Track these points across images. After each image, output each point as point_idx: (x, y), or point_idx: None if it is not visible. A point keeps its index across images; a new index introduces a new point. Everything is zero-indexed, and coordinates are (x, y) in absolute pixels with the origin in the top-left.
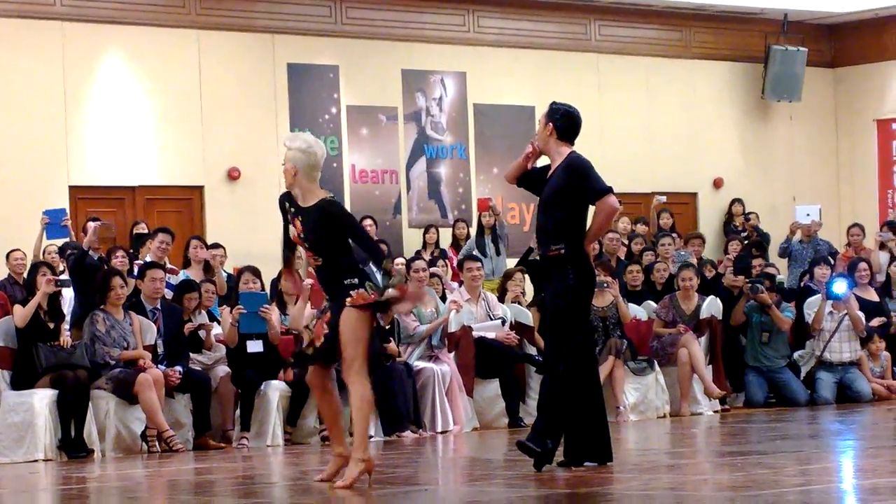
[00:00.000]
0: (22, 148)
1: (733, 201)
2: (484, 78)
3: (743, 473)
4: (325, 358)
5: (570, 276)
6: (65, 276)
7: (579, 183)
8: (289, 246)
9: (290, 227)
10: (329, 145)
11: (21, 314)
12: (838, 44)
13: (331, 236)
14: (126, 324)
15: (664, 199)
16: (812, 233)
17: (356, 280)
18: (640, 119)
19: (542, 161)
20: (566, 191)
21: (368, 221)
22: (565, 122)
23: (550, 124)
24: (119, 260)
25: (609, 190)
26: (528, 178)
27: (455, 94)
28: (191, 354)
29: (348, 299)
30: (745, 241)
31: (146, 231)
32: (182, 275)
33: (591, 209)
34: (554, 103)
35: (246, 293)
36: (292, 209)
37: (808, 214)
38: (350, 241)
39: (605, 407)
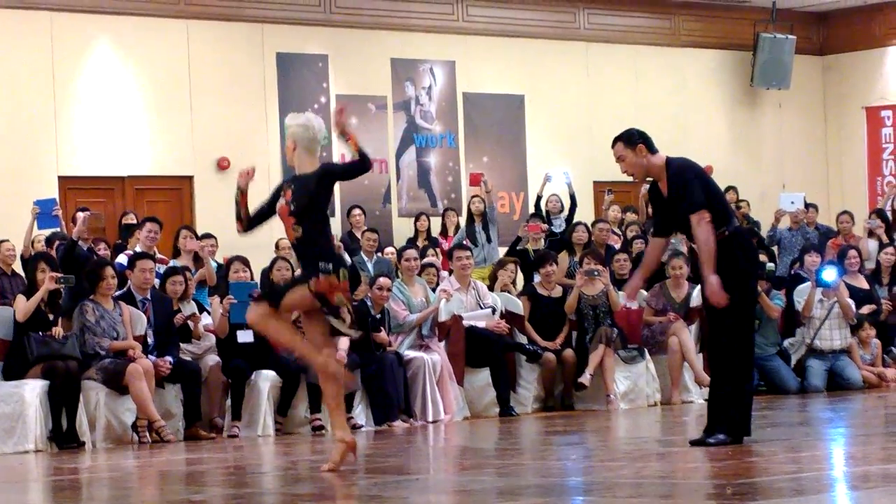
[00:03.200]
0: (11, 138)
1: (727, 189)
2: (473, 67)
3: (734, 461)
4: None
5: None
6: (69, 274)
7: (686, 182)
8: (259, 218)
9: (280, 198)
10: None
11: (22, 309)
12: (827, 31)
13: (319, 201)
14: (116, 314)
15: None
16: (799, 220)
17: (330, 266)
18: (630, 107)
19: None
20: (683, 189)
21: (358, 211)
22: (644, 136)
23: (641, 144)
24: (102, 252)
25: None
26: (663, 227)
27: (444, 82)
28: (181, 344)
29: (313, 280)
30: None
31: (135, 221)
32: (172, 265)
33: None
34: (622, 133)
35: (235, 283)
36: (286, 181)
37: (792, 202)
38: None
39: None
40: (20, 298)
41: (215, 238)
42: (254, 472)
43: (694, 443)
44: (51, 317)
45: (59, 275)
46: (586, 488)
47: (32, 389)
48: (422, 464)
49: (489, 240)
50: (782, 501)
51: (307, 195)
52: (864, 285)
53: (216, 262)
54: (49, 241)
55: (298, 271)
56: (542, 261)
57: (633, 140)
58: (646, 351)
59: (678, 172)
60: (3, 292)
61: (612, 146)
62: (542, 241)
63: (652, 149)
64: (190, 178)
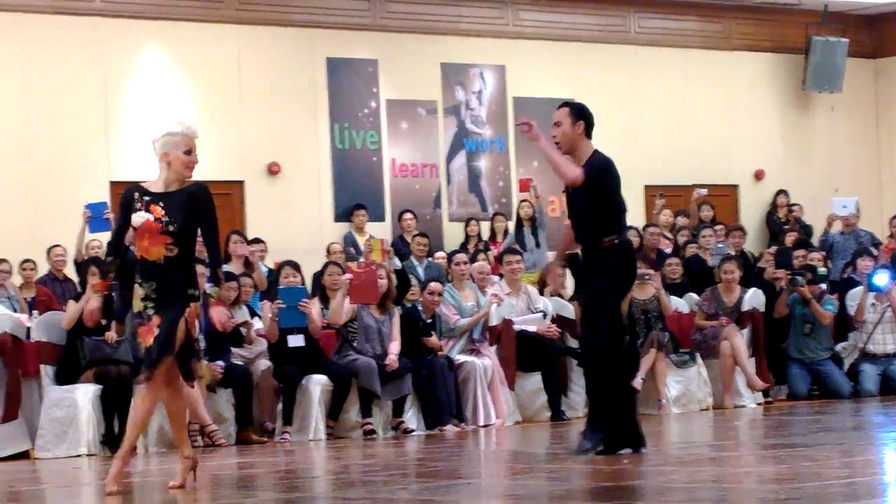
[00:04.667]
0: (62, 144)
1: (778, 192)
2: (523, 71)
3: (786, 466)
4: (169, 353)
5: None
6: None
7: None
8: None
9: (141, 213)
10: (369, 139)
11: (67, 318)
12: (879, 34)
13: (194, 226)
14: None
15: (705, 191)
16: (852, 224)
17: (197, 293)
18: (680, 111)
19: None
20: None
21: (409, 215)
22: (590, 119)
23: (581, 122)
24: None
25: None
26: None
27: (494, 86)
28: (232, 349)
29: (188, 309)
30: (787, 231)
31: None
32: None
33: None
34: (573, 102)
35: (284, 288)
36: (146, 197)
37: (844, 206)
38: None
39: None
40: (69, 304)
41: (265, 243)
42: (305, 477)
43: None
44: (103, 321)
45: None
46: (638, 493)
47: (85, 394)
48: (473, 468)
49: (538, 245)
50: None
51: (190, 216)
52: None
53: (266, 266)
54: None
55: (298, 277)
56: None
57: (579, 114)
58: (697, 355)
59: (602, 165)
60: (55, 297)
61: (558, 108)
62: None
63: (588, 134)
64: (240, 183)
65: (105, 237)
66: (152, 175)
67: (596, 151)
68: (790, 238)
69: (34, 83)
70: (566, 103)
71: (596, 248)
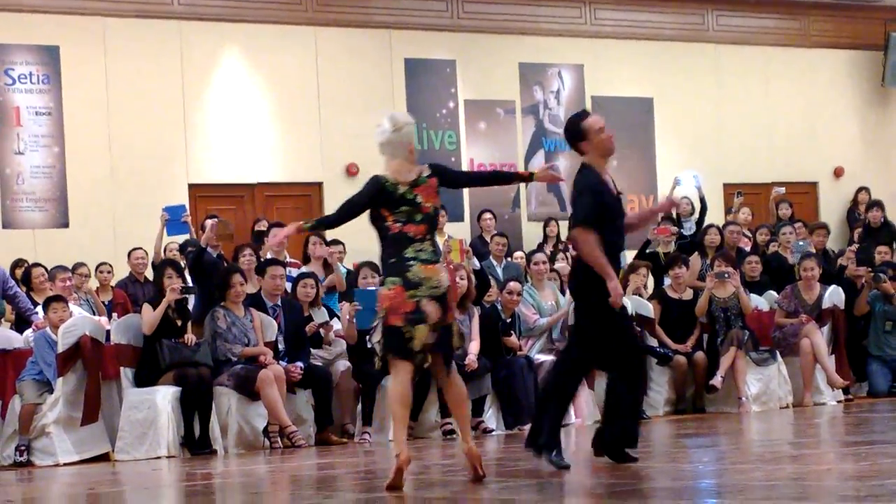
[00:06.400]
0: (142, 147)
1: (859, 189)
2: (601, 70)
3: (867, 463)
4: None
5: None
6: (189, 284)
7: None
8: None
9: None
10: (447, 139)
11: (148, 321)
12: None
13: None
14: (247, 320)
15: (783, 190)
16: None
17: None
18: (759, 109)
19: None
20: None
21: (488, 215)
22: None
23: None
24: (247, 258)
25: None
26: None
27: (572, 86)
28: (311, 350)
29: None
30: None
31: (266, 228)
32: (302, 270)
33: None
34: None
35: (360, 290)
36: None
37: None
38: None
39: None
40: (146, 308)
41: (343, 244)
42: (385, 477)
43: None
44: (178, 323)
45: (182, 285)
46: (718, 491)
47: (164, 396)
48: (553, 468)
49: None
50: None
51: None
52: None
53: (345, 268)
54: (182, 248)
55: (376, 279)
56: (672, 264)
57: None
58: (777, 353)
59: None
60: (136, 300)
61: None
62: (672, 244)
63: None
64: (319, 185)
65: (182, 240)
66: (229, 177)
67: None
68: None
69: (116, 86)
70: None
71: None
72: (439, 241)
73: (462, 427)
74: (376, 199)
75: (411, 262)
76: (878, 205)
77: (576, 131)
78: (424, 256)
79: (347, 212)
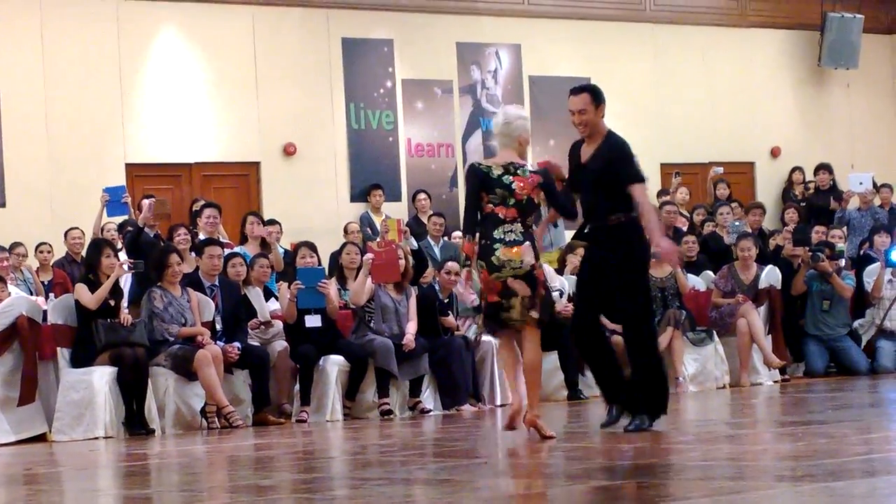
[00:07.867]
0: (78, 126)
1: (794, 169)
2: (539, 50)
3: (804, 443)
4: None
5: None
6: (138, 260)
7: (621, 161)
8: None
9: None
10: (384, 119)
11: (93, 299)
12: (895, 10)
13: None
14: (184, 300)
15: (721, 169)
16: (868, 200)
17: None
18: (696, 89)
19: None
20: (612, 166)
21: (422, 195)
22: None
23: (602, 106)
24: (181, 237)
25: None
26: (572, 183)
27: (510, 66)
28: (249, 330)
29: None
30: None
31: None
32: (238, 250)
33: None
34: (591, 86)
35: (304, 269)
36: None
37: (860, 182)
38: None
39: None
40: (82, 287)
41: (280, 224)
42: (322, 457)
43: (604, 425)
44: (112, 303)
45: (131, 261)
46: (655, 471)
47: (101, 376)
48: (490, 447)
49: (555, 224)
50: (853, 483)
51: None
52: None
53: (283, 247)
54: (121, 228)
55: (314, 258)
56: None
57: (600, 98)
58: (714, 333)
59: (619, 146)
60: (73, 279)
61: (576, 94)
62: None
63: (603, 115)
64: (257, 164)
65: (121, 220)
66: (166, 156)
67: (610, 132)
68: (789, 215)
69: (53, 65)
70: (584, 88)
71: (606, 225)
72: (377, 221)
73: (531, 394)
74: (478, 186)
75: (496, 246)
76: (825, 167)
77: (602, 98)
78: (511, 238)
79: (472, 215)
